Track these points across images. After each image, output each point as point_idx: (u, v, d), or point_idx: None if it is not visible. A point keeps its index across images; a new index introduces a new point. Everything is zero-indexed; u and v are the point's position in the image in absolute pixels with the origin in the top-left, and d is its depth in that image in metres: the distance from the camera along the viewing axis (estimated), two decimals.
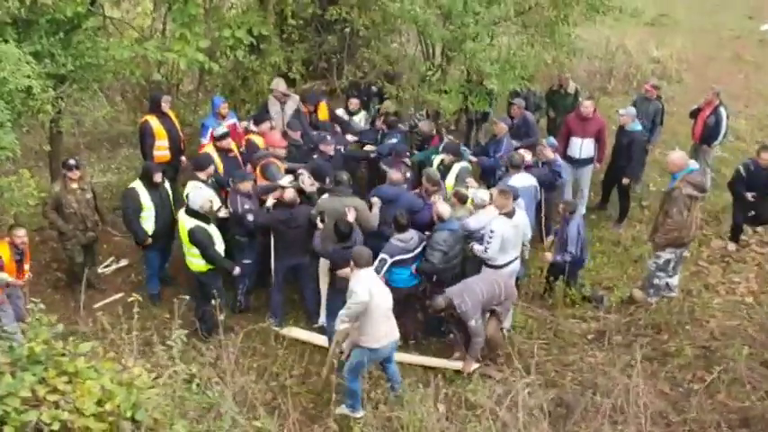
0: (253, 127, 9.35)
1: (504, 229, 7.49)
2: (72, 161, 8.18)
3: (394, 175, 8.27)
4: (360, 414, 6.56)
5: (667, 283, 8.05)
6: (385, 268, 7.26)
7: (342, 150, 9.33)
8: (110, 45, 8.43)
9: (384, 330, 6.45)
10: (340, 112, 10.47)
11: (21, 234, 7.21)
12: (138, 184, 8.09)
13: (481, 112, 10.32)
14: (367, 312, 6.30)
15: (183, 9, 8.69)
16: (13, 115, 6.77)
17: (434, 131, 9.96)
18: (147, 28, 11.16)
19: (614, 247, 9.53)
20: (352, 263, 6.44)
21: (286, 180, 8.18)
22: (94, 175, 10.92)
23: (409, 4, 8.97)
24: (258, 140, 9.09)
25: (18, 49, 6.72)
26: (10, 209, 7.09)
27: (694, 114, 10.45)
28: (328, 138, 9.07)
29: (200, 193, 7.63)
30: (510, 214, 7.61)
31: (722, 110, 10.16)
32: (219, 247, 7.65)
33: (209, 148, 8.86)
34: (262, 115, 9.50)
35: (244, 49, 9.63)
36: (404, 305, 7.44)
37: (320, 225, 7.58)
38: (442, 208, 7.54)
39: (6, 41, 6.77)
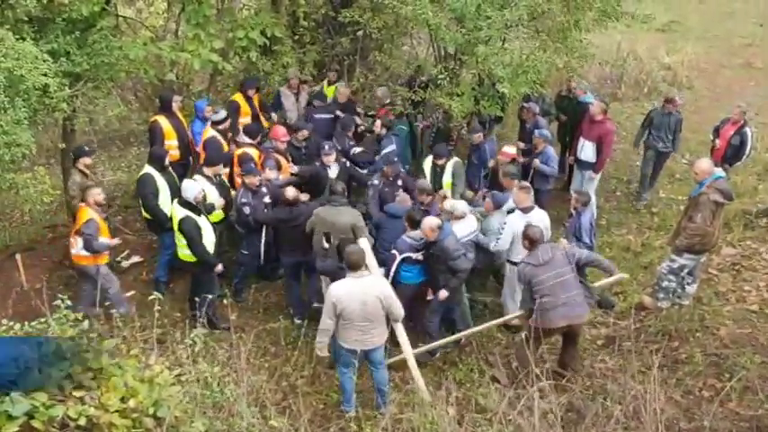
0: (245, 138, 9.15)
1: (517, 224, 7.54)
2: (87, 147, 8.56)
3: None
4: (349, 411, 6.56)
5: (684, 288, 8.02)
6: (396, 264, 7.26)
7: (345, 162, 9.31)
8: (124, 44, 8.47)
9: (354, 337, 6.28)
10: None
11: (98, 191, 7.63)
12: (150, 170, 8.22)
13: (495, 115, 10.35)
14: (338, 316, 6.22)
15: (198, 10, 8.76)
16: (30, 113, 6.81)
17: (388, 100, 10.24)
18: (160, 28, 11.22)
19: (624, 254, 9.52)
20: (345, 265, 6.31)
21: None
22: (105, 173, 11.00)
23: (421, 7, 8.99)
24: (252, 153, 8.91)
25: (35, 47, 6.76)
26: (25, 205, 7.13)
27: (716, 132, 10.27)
28: (328, 147, 9.07)
29: (194, 185, 7.73)
30: (527, 210, 7.67)
31: (748, 130, 9.97)
32: (209, 239, 7.69)
33: (213, 132, 9.15)
34: (255, 127, 9.35)
35: (256, 51, 9.67)
36: (412, 304, 7.44)
37: (326, 245, 7.49)
38: (427, 224, 7.20)
39: (24, 39, 6.81)
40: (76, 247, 7.48)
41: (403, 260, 7.36)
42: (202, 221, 7.65)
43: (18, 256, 8.33)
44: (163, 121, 9.12)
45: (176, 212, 7.60)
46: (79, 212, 7.60)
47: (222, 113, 9.43)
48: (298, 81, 10.56)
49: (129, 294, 8.28)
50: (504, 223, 7.80)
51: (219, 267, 7.80)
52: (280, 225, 7.97)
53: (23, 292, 7.48)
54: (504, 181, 8.54)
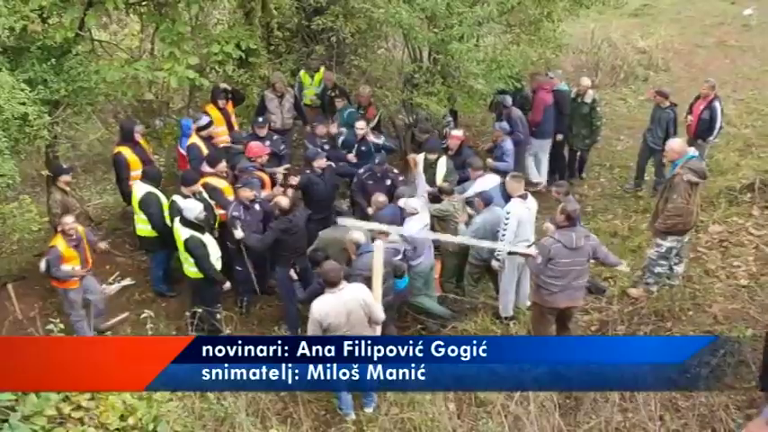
0: (207, 168, 8.79)
1: (519, 211, 7.64)
2: (65, 165, 8.61)
3: (379, 197, 8.33)
4: (349, 414, 6.56)
5: (672, 269, 8.08)
6: None
7: (333, 165, 9.29)
8: (100, 68, 8.48)
9: None
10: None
11: (67, 221, 7.54)
12: (150, 188, 8.32)
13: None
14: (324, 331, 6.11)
15: (171, 28, 8.76)
16: (11, 142, 6.82)
17: (371, 101, 10.34)
18: (136, 48, 11.22)
19: (612, 239, 9.56)
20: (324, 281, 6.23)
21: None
22: (92, 197, 10.98)
23: (393, 8, 9.03)
24: (216, 183, 8.66)
25: (12, 76, 6.77)
26: (13, 235, 7.13)
27: (690, 109, 10.36)
28: (320, 152, 9.07)
29: (195, 204, 7.73)
30: (524, 197, 7.75)
31: (717, 104, 10.08)
32: (215, 256, 7.73)
33: (195, 139, 9.20)
34: (217, 156, 8.99)
35: (233, 64, 9.69)
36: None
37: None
38: (357, 235, 7.25)
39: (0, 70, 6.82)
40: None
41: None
42: (207, 239, 7.69)
43: (10, 286, 8.32)
44: (127, 152, 8.98)
45: (180, 232, 7.62)
46: (52, 237, 7.67)
47: (205, 119, 9.47)
48: (282, 84, 10.60)
49: (123, 316, 8.30)
50: (507, 220, 7.71)
51: (227, 285, 7.86)
52: (283, 238, 7.87)
53: (18, 322, 7.47)
54: (470, 171, 8.77)
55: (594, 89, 10.32)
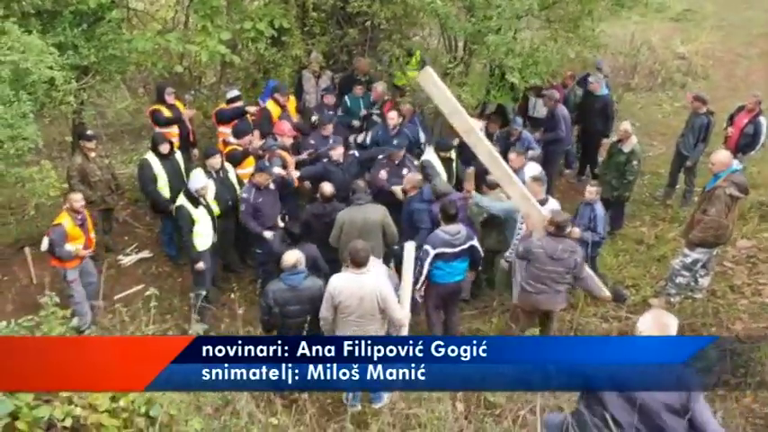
0: (232, 139, 8.93)
1: None
2: (90, 132, 8.67)
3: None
4: (355, 406, 6.46)
5: (697, 281, 7.88)
6: (429, 260, 6.89)
7: (356, 154, 9.03)
8: (133, 37, 8.44)
9: (350, 333, 6.08)
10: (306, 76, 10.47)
11: (77, 198, 7.42)
12: (150, 155, 8.42)
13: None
14: (335, 308, 6.12)
15: (206, 1, 8.69)
16: (36, 106, 6.79)
17: (387, 97, 10.14)
18: (171, 20, 11.17)
19: (637, 246, 9.38)
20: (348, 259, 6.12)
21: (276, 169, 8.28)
22: (117, 166, 10.97)
23: None
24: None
25: (42, 40, 6.73)
26: (32, 199, 7.12)
27: (730, 120, 10.04)
28: (337, 140, 8.85)
29: (198, 177, 7.74)
30: (543, 202, 7.53)
31: (762, 119, 9.71)
32: (205, 233, 7.69)
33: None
34: (243, 126, 9.06)
35: (265, 42, 9.60)
36: (447, 307, 7.30)
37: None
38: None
39: (30, 32, 6.78)
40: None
41: (436, 257, 6.95)
42: (199, 213, 7.62)
43: (27, 250, 8.35)
44: (164, 111, 9.23)
45: (179, 199, 7.68)
46: (58, 215, 7.50)
47: (235, 92, 9.57)
48: (319, 65, 10.47)
49: (138, 288, 8.27)
50: (521, 223, 7.58)
51: (200, 265, 7.70)
52: (312, 221, 7.68)
53: (33, 286, 7.48)
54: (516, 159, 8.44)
55: (632, 135, 9.25)
